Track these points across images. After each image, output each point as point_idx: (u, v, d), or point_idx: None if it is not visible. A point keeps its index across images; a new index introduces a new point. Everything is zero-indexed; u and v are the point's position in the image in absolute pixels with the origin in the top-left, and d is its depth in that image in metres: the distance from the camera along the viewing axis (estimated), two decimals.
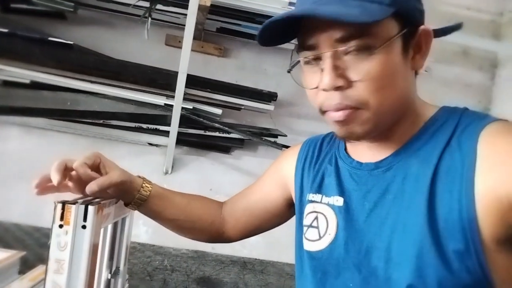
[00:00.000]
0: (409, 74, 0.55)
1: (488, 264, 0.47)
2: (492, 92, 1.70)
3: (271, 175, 0.80)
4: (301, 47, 0.54)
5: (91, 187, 0.59)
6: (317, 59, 0.53)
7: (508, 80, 1.66)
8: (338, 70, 0.51)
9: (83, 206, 0.54)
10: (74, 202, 0.55)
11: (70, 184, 0.62)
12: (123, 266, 0.74)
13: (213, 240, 0.83)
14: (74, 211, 0.54)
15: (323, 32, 0.51)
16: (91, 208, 0.54)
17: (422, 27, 0.54)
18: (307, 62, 0.55)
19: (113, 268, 0.72)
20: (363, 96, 0.51)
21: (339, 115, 0.52)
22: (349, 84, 0.51)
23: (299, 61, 0.56)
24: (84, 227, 0.54)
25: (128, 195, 0.68)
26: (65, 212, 0.53)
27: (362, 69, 0.50)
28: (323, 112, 0.55)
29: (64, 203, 0.54)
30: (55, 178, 0.57)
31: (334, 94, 0.51)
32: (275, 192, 0.77)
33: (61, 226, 0.53)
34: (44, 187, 0.60)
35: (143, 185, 0.69)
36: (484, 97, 1.71)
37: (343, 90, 0.51)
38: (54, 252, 0.53)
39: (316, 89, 0.54)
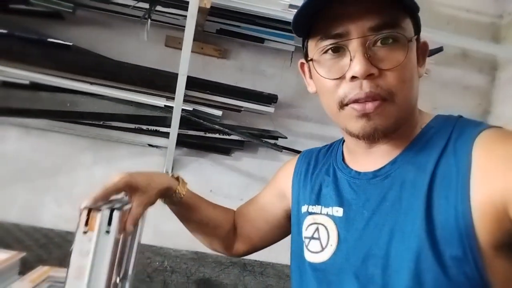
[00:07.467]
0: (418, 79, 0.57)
1: (486, 269, 0.47)
2: (492, 95, 1.70)
3: (271, 188, 0.81)
4: (325, 36, 0.53)
5: (129, 228, 0.60)
6: (339, 49, 0.52)
7: (508, 83, 1.66)
8: (369, 59, 0.50)
9: (108, 212, 0.56)
10: (99, 209, 0.56)
11: None
12: (131, 270, 0.74)
13: (225, 248, 0.84)
14: (99, 217, 0.55)
15: (355, 20, 0.50)
16: (116, 214, 0.56)
17: (422, 39, 0.56)
18: (325, 52, 0.54)
19: (122, 272, 0.72)
20: (392, 85, 0.51)
21: (369, 107, 0.51)
22: (380, 73, 0.51)
23: (328, 48, 0.53)
24: (107, 232, 0.55)
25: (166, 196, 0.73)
26: (90, 219, 0.54)
27: (393, 59, 0.51)
28: (343, 105, 0.53)
29: (90, 209, 0.55)
30: None
31: (364, 83, 0.51)
32: (274, 205, 0.78)
33: (85, 232, 0.54)
34: None
35: (178, 187, 0.73)
36: (484, 100, 1.71)
37: (373, 79, 0.51)
38: (76, 259, 0.53)
39: (339, 80, 0.53)
